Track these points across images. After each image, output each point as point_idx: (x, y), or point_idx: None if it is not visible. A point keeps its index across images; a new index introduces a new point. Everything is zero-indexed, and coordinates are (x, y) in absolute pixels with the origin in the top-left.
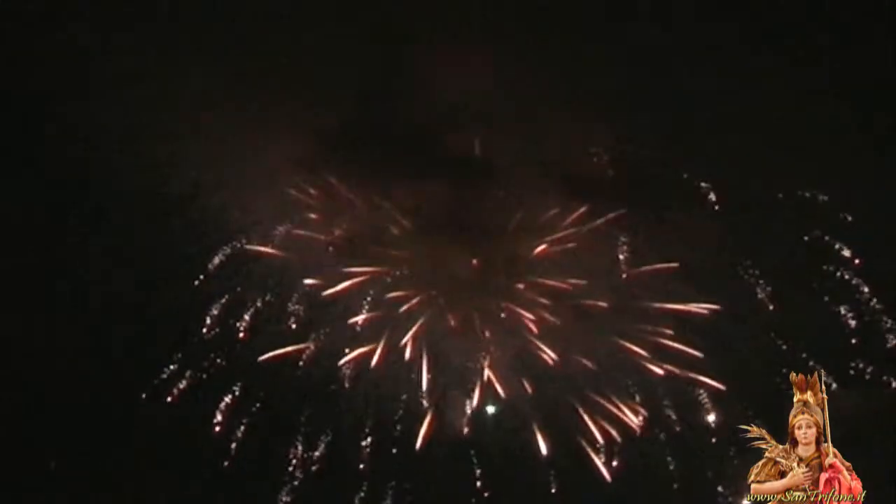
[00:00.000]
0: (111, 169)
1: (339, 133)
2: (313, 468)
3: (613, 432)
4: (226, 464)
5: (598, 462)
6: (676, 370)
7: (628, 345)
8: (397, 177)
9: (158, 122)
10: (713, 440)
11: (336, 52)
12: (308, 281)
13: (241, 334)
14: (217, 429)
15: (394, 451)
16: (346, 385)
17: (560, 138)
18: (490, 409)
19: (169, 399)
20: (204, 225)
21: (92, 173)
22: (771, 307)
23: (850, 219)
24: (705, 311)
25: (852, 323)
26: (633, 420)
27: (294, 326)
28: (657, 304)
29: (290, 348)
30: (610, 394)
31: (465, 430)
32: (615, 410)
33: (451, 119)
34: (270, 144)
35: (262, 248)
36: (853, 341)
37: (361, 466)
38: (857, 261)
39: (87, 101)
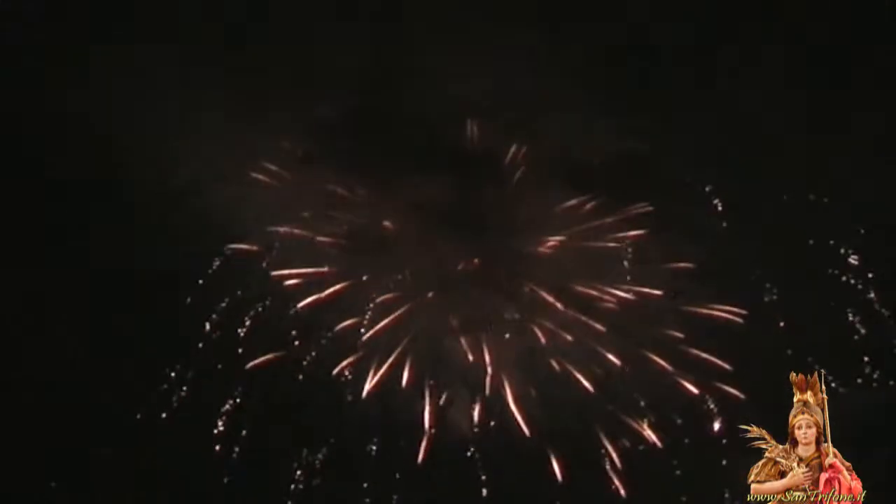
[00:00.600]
0: (111, 169)
1: (338, 129)
2: (314, 482)
3: (625, 441)
4: (225, 479)
5: (611, 473)
6: (694, 378)
7: (641, 350)
8: (397, 173)
9: (157, 120)
10: (720, 446)
11: (336, 46)
12: (306, 282)
13: (241, 337)
14: (217, 436)
15: (398, 456)
16: (346, 388)
17: (564, 135)
18: (494, 413)
19: (164, 415)
20: (202, 225)
21: (92, 173)
22: (775, 310)
23: (862, 231)
24: (730, 316)
25: (858, 326)
26: (647, 431)
27: (294, 331)
28: (674, 307)
29: (283, 352)
30: (619, 401)
31: (470, 436)
32: (627, 419)
33: (452, 115)
34: (268, 140)
35: (259, 248)
36: (857, 341)
37: (365, 485)
38: (870, 275)
39: (86, 101)
